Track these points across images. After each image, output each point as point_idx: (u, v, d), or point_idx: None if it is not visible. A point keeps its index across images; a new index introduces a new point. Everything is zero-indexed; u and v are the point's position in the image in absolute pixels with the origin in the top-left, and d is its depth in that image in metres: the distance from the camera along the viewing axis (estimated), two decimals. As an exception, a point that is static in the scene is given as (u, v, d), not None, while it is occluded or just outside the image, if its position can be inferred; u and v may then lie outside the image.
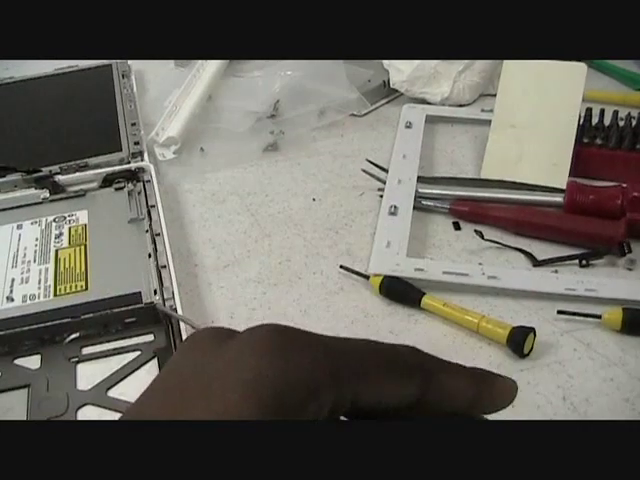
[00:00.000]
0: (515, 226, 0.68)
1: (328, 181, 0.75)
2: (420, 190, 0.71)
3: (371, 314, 0.61)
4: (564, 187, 0.70)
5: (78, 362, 0.56)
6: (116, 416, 0.52)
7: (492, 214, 0.69)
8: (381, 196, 0.72)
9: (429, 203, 0.71)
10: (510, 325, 0.57)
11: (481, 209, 0.69)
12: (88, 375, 0.54)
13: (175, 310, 0.58)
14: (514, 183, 0.72)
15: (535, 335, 0.57)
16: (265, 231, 0.69)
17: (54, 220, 0.70)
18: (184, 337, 0.55)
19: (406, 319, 0.60)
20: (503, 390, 0.31)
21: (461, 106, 0.86)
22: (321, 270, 0.65)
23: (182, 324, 0.56)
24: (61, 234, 0.68)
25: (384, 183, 0.73)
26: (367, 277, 0.63)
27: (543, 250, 0.66)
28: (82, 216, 0.70)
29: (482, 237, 0.66)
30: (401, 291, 0.61)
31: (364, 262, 0.65)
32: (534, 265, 0.65)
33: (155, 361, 0.56)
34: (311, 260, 0.66)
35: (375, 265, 0.62)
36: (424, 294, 0.61)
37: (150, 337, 0.57)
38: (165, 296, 0.59)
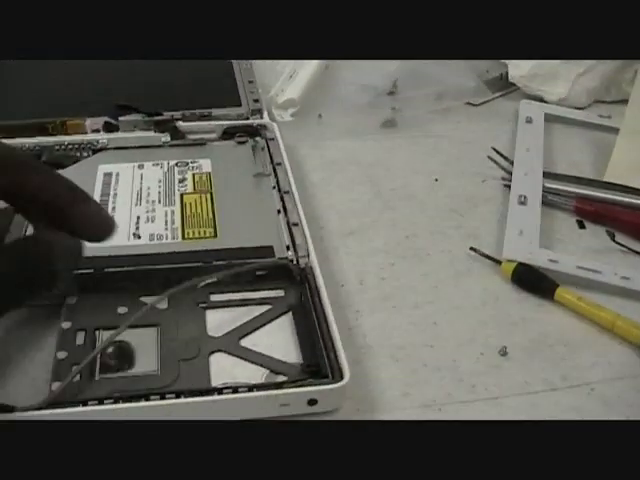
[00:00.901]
0: (640, 232, 0.66)
1: (447, 164, 0.73)
2: (545, 185, 0.69)
3: (501, 299, 0.58)
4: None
5: (207, 308, 0.53)
6: (248, 367, 0.49)
7: (619, 217, 0.67)
8: (505, 185, 0.70)
9: (554, 199, 0.69)
10: (647, 327, 0.55)
11: (608, 211, 0.67)
12: (217, 323, 0.51)
13: (311, 268, 0.56)
14: (636, 189, 0.69)
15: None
16: (388, 204, 0.67)
17: (176, 164, 0.68)
18: (323, 296, 0.53)
19: (536, 308, 0.58)
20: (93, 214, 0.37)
21: (577, 109, 0.84)
22: (449, 249, 0.63)
23: (320, 282, 0.54)
24: (184, 179, 0.66)
25: (509, 173, 0.71)
26: (499, 262, 0.60)
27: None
28: (205, 164, 0.68)
29: (613, 239, 0.64)
30: (535, 280, 0.59)
31: (491, 247, 0.63)
32: (660, 274, 0.63)
33: (288, 317, 0.53)
34: (437, 238, 0.64)
35: (509, 251, 0.60)
36: (558, 286, 0.58)
37: (281, 292, 0.55)
38: (299, 254, 0.57)
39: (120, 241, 0.58)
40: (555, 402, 0.51)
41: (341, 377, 0.48)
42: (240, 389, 0.47)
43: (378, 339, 0.55)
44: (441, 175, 0.72)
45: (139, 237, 0.59)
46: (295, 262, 0.57)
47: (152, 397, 0.46)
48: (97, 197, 0.64)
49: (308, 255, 0.57)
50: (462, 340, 0.55)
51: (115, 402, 0.46)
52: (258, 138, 0.71)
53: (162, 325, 0.52)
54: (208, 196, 0.64)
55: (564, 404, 0.51)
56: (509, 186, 0.70)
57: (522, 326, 0.57)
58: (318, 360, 0.49)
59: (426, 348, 0.54)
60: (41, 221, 0.36)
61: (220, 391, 0.47)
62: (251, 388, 0.47)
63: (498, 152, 0.73)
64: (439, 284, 0.60)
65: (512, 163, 0.72)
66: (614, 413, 0.51)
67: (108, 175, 0.67)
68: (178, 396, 0.46)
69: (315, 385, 0.47)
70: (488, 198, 0.70)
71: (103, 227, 0.37)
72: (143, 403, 0.46)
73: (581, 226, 0.68)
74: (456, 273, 0.61)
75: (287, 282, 0.56)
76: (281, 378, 0.49)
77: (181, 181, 0.66)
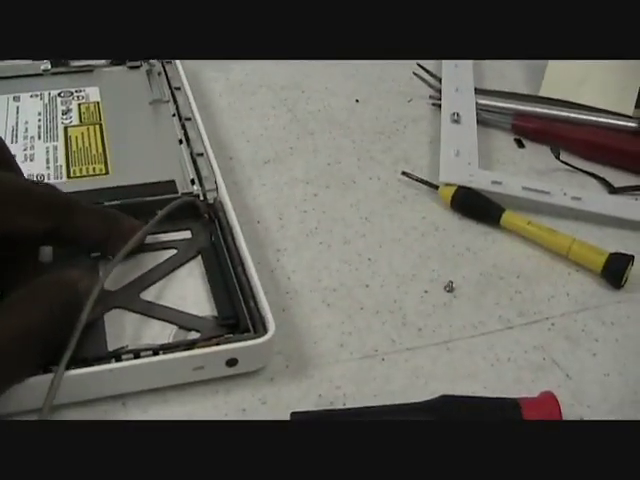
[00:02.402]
0: (586, 149, 0.58)
1: (369, 84, 0.64)
2: (479, 102, 0.60)
3: (442, 228, 0.50)
4: (631, 114, 0.59)
5: (100, 257, 0.42)
6: (153, 324, 0.39)
7: (561, 134, 0.59)
8: (434, 104, 0.62)
9: (489, 116, 0.60)
10: (606, 251, 0.47)
11: (549, 127, 0.59)
12: (112, 274, 0.41)
13: (221, 203, 0.45)
14: (577, 104, 0.61)
15: (633, 264, 0.47)
16: (307, 129, 0.57)
17: (59, 95, 0.56)
18: (237, 234, 0.42)
19: (482, 237, 0.50)
20: (130, 228, 0.42)
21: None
22: (377, 175, 0.53)
23: (232, 218, 0.43)
24: (69, 110, 0.55)
25: (437, 91, 0.62)
26: (435, 187, 0.51)
27: (615, 177, 0.56)
28: (93, 93, 0.57)
29: (557, 157, 0.55)
30: (478, 205, 0.51)
31: (424, 171, 0.54)
32: (610, 192, 0.55)
33: (197, 262, 0.43)
34: (364, 164, 0.54)
35: (446, 174, 0.51)
36: (504, 210, 0.49)
37: (187, 234, 0.45)
38: (206, 188, 0.46)
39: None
40: (515, 341, 0.43)
41: (265, 330, 0.39)
42: (143, 353, 0.37)
43: (305, 281, 0.45)
44: (363, 96, 0.62)
45: (15, 178, 0.48)
46: (202, 198, 0.47)
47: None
48: (-38, 134, 0.52)
49: (217, 189, 0.47)
50: (402, 277, 0.46)
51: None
52: (154, 61, 0.60)
53: None
54: (97, 128, 0.53)
55: (525, 343, 0.43)
56: (438, 105, 0.61)
57: (468, 257, 0.48)
58: (236, 311, 0.40)
59: (362, 289, 0.45)
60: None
61: (118, 357, 0.37)
62: (156, 351, 0.37)
63: (424, 69, 0.64)
64: (370, 215, 0.50)
65: (440, 80, 0.62)
66: (581, 349, 0.43)
67: (-24, 110, 0.55)
68: (66, 368, 0.36)
69: (234, 341, 0.38)
70: (416, 118, 0.60)
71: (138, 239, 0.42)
72: (40, 377, 0.35)
73: (520, 145, 0.59)
74: (388, 201, 0.52)
75: (194, 221, 0.46)
76: (193, 335, 0.40)
77: (65, 113, 0.55)
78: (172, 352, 0.37)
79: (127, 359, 0.37)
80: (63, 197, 0.39)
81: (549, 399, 0.38)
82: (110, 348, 0.38)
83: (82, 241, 0.40)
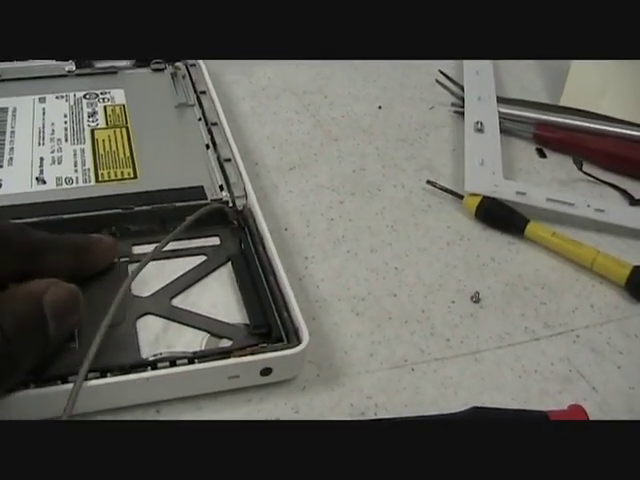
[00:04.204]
0: (607, 160, 0.59)
1: (392, 89, 0.63)
2: (500, 110, 0.60)
3: (467, 237, 0.50)
4: (649, 125, 0.60)
5: (129, 262, 0.42)
6: (184, 331, 0.39)
7: (582, 144, 0.59)
8: (456, 112, 0.61)
9: (511, 125, 0.60)
10: (630, 264, 0.47)
11: (572, 138, 0.59)
12: (143, 280, 0.41)
13: (250, 210, 0.45)
14: (597, 115, 0.61)
15: (656, 278, 0.47)
16: (331, 135, 0.57)
17: (84, 96, 0.56)
18: (268, 241, 0.42)
19: (506, 247, 0.49)
20: (102, 254, 0.41)
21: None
22: (402, 183, 0.53)
23: (262, 225, 0.43)
24: (95, 112, 0.54)
25: (459, 99, 0.61)
26: (460, 197, 0.51)
27: (636, 189, 0.56)
28: (118, 95, 0.56)
29: (580, 168, 0.55)
30: (503, 215, 0.51)
31: (447, 179, 0.54)
32: (630, 204, 0.55)
33: (227, 268, 0.43)
34: (389, 171, 0.54)
35: (472, 184, 0.51)
36: (529, 221, 0.49)
37: (216, 240, 0.45)
38: (236, 194, 0.46)
39: (21, 187, 0.47)
40: (541, 353, 0.43)
41: (298, 340, 0.38)
42: (179, 361, 0.37)
43: (334, 290, 0.45)
44: (385, 102, 0.62)
45: (44, 182, 0.48)
46: (231, 204, 0.47)
47: (70, 378, 0.35)
48: (-10, 135, 0.52)
49: (246, 196, 0.47)
50: (429, 287, 0.46)
51: (26, 388, 0.35)
52: (178, 64, 0.60)
53: (79, 285, 0.41)
54: (124, 131, 0.53)
55: (551, 355, 0.43)
56: (460, 113, 0.61)
57: (493, 268, 0.48)
58: (268, 319, 0.40)
59: (389, 298, 0.45)
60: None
61: (154, 365, 0.37)
62: (192, 359, 0.37)
63: (446, 75, 0.64)
64: (396, 223, 0.50)
65: (462, 88, 0.62)
66: (606, 362, 0.43)
67: (3, 111, 0.54)
68: (103, 374, 0.36)
69: (269, 351, 0.37)
70: (438, 125, 0.60)
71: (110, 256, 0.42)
72: (60, 387, 0.35)
73: (541, 155, 0.59)
74: (414, 210, 0.52)
75: (222, 227, 0.46)
76: (225, 342, 0.39)
77: (91, 115, 0.54)
78: (208, 361, 0.37)
79: (163, 367, 0.37)
80: (32, 239, 0.38)
81: (578, 412, 0.38)
82: (144, 355, 0.38)
83: (52, 276, 0.37)
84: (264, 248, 0.44)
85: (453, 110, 0.62)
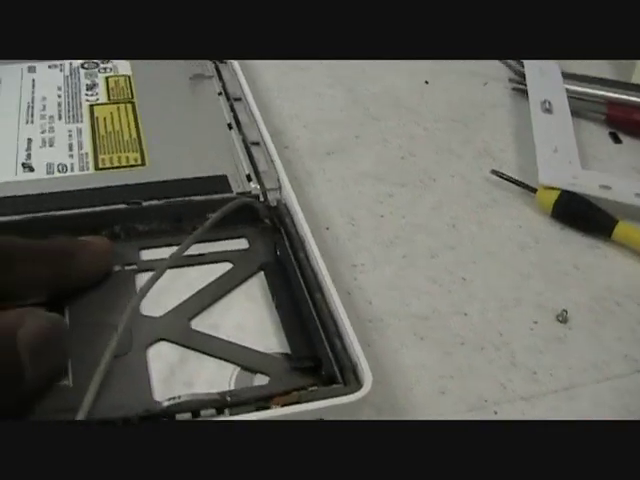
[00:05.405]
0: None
1: (436, 62, 0.53)
2: (567, 87, 0.50)
3: (542, 239, 0.40)
4: None
5: (137, 271, 0.33)
6: (205, 361, 0.30)
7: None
8: (514, 89, 0.51)
9: (580, 105, 0.50)
10: None
11: (652, 120, 0.49)
12: (154, 294, 0.31)
13: (286, 206, 0.36)
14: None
15: None
16: (370, 113, 0.48)
17: (82, 66, 0.46)
18: (311, 246, 0.33)
19: (589, 251, 0.40)
20: (91, 260, 0.32)
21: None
22: (460, 173, 0.44)
23: (303, 226, 0.34)
24: (94, 84, 0.45)
25: (517, 74, 0.52)
26: (533, 190, 0.42)
27: None
28: (122, 65, 0.47)
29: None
30: (586, 214, 0.41)
31: (511, 168, 0.45)
32: None
33: (259, 279, 0.33)
34: (442, 158, 0.45)
35: (547, 176, 0.42)
36: (617, 221, 0.40)
37: (242, 243, 0.35)
38: (267, 186, 0.37)
39: (3, 176, 0.37)
40: (648, 390, 0.34)
41: (358, 380, 0.29)
42: (203, 410, 0.27)
43: (390, 307, 0.36)
44: (430, 76, 0.52)
45: (31, 169, 0.38)
46: (262, 198, 0.37)
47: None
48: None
49: (280, 188, 0.37)
50: (504, 302, 0.37)
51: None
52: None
53: (70, 304, 0.32)
54: (129, 108, 0.43)
55: (661, 393, 0.34)
56: (520, 90, 0.52)
57: (576, 277, 0.39)
58: (316, 351, 0.30)
59: (458, 317, 0.36)
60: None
61: (171, 415, 0.27)
62: (220, 408, 0.27)
63: (502, 46, 0.53)
64: (457, 221, 0.41)
65: (521, 62, 0.53)
66: None
67: (-16, 80, 0.45)
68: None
69: (321, 398, 0.28)
70: (494, 104, 0.51)
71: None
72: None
73: (616, 140, 0.50)
74: (476, 205, 0.42)
75: (250, 227, 0.36)
76: (259, 378, 0.30)
77: (90, 88, 0.45)
78: (242, 411, 0.28)
79: (182, 419, 0.27)
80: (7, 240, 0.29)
81: None
82: (157, 397, 0.29)
83: (25, 297, 0.30)
84: (306, 255, 0.34)
85: (511, 87, 0.52)
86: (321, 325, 0.31)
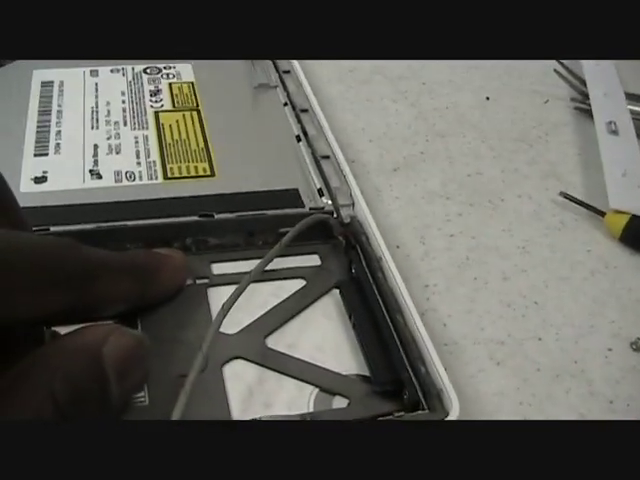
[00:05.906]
0: None
1: (497, 78, 0.53)
2: (630, 107, 0.49)
3: (612, 265, 0.39)
4: None
5: (209, 285, 0.32)
6: (282, 380, 0.29)
7: None
8: (576, 108, 0.50)
9: (643, 126, 0.49)
10: None
11: None
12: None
13: (359, 223, 0.35)
14: None
15: None
16: (435, 129, 0.47)
17: (144, 70, 0.45)
18: (389, 265, 0.32)
19: (661, 279, 0.39)
20: (172, 276, 0.31)
21: None
22: (527, 194, 0.43)
23: (383, 247, 0.33)
24: (158, 90, 0.44)
25: (581, 94, 0.51)
26: (601, 214, 0.41)
27: None
28: (185, 71, 0.46)
29: None
30: (659, 240, 0.40)
31: (578, 190, 0.44)
32: None
33: (332, 296, 0.32)
34: (509, 177, 0.44)
35: (617, 200, 0.41)
36: (690, 248, 0.39)
37: (314, 259, 0.34)
38: (341, 202, 0.36)
39: (72, 183, 0.37)
40: None
41: (443, 407, 0.28)
42: (288, 434, 0.26)
43: (465, 330, 0.35)
44: (491, 93, 0.51)
45: (100, 176, 0.37)
46: (335, 215, 0.36)
47: None
48: (33, 116, 0.41)
49: (353, 204, 0.37)
50: (579, 329, 0.36)
51: None
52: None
53: (143, 318, 0.31)
54: (195, 115, 0.42)
55: None
56: (582, 109, 0.50)
57: (650, 306, 0.38)
58: (398, 374, 0.29)
59: (534, 342, 0.35)
60: None
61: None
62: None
63: (564, 66, 0.53)
64: (527, 244, 0.40)
65: (582, 82, 0.52)
66: None
67: (48, 85, 0.44)
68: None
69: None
70: (557, 124, 0.50)
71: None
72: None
73: (681, 163, 0.48)
74: (545, 228, 0.41)
75: (322, 243, 0.36)
76: (339, 401, 0.29)
77: (153, 94, 0.44)
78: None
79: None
80: (83, 260, 0.26)
81: None
82: (236, 417, 0.28)
83: (104, 313, 0.28)
84: (383, 274, 0.33)
85: (573, 106, 0.51)
86: (402, 348, 0.31)
